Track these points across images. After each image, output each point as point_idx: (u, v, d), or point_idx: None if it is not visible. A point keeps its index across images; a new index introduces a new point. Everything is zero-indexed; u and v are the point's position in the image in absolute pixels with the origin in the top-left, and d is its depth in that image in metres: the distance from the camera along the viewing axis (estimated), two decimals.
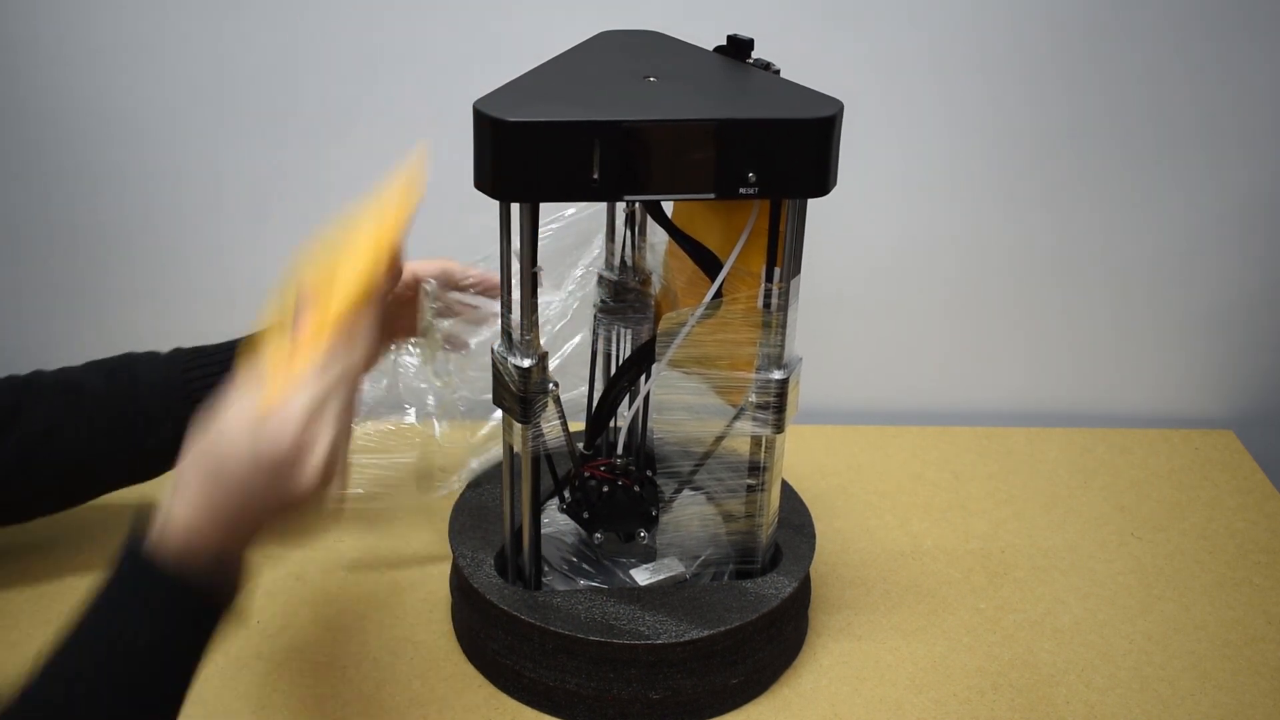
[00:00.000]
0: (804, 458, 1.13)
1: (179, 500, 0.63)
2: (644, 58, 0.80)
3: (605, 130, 0.69)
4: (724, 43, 0.81)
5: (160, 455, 0.88)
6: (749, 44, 0.80)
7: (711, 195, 0.71)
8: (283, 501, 0.63)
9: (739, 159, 0.70)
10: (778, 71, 0.78)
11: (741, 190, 0.71)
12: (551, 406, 0.79)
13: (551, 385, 0.79)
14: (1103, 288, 1.17)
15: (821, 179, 0.72)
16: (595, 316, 0.92)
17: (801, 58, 1.04)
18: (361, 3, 1.02)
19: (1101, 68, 1.06)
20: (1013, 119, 1.08)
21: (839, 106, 0.72)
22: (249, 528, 0.64)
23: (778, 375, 0.80)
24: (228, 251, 1.13)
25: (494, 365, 0.79)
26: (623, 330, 0.92)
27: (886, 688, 0.88)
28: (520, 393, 0.78)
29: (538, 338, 0.78)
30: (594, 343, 0.93)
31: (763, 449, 0.84)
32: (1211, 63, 1.06)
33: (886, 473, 1.13)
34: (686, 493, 0.90)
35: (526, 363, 0.77)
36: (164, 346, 1.16)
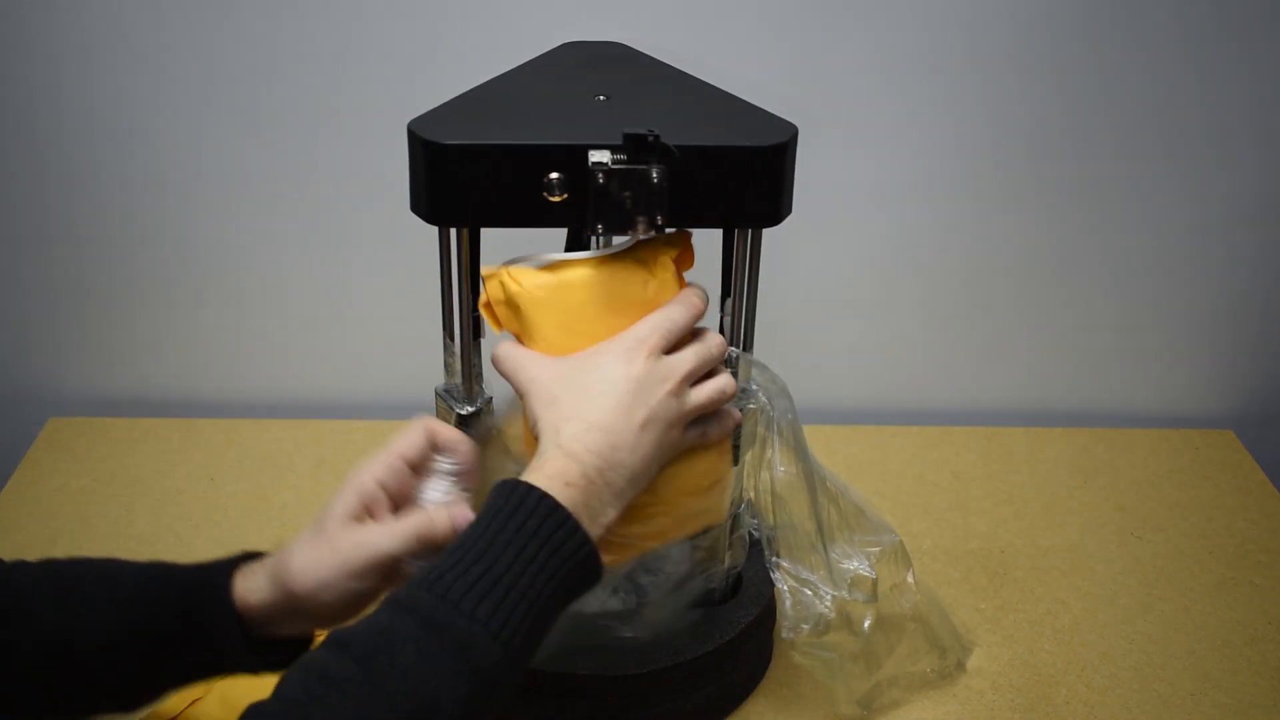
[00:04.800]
0: None
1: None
2: (601, 73, 0.76)
3: (550, 153, 0.65)
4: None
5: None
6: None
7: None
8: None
9: (692, 187, 0.66)
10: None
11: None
12: None
13: (496, 431, 0.73)
14: (1103, 288, 1.17)
15: (774, 208, 0.68)
16: None
17: (794, 58, 1.04)
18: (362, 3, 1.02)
19: (1103, 68, 1.05)
20: (1015, 119, 1.08)
21: (793, 131, 0.68)
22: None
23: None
24: (234, 252, 1.13)
25: (437, 407, 0.74)
26: None
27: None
28: None
29: (479, 383, 0.73)
30: None
31: None
32: (1213, 63, 1.05)
33: (886, 473, 1.13)
34: None
35: (468, 410, 0.72)
36: (164, 346, 1.17)
